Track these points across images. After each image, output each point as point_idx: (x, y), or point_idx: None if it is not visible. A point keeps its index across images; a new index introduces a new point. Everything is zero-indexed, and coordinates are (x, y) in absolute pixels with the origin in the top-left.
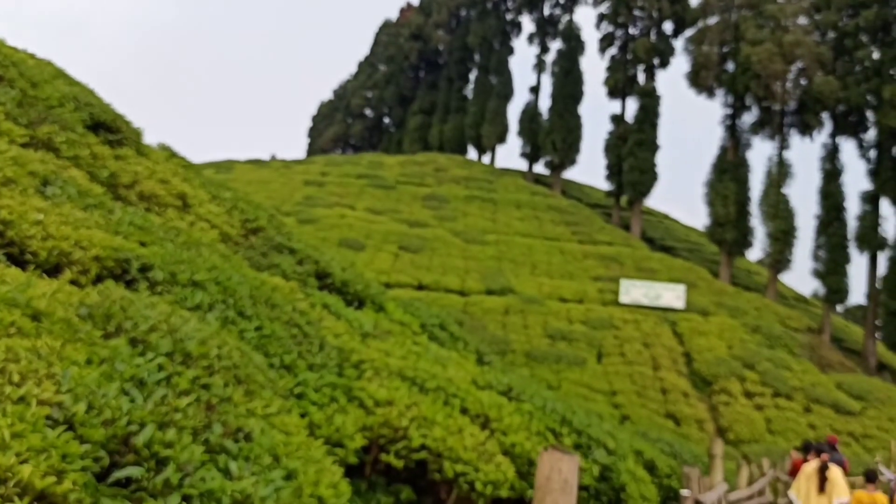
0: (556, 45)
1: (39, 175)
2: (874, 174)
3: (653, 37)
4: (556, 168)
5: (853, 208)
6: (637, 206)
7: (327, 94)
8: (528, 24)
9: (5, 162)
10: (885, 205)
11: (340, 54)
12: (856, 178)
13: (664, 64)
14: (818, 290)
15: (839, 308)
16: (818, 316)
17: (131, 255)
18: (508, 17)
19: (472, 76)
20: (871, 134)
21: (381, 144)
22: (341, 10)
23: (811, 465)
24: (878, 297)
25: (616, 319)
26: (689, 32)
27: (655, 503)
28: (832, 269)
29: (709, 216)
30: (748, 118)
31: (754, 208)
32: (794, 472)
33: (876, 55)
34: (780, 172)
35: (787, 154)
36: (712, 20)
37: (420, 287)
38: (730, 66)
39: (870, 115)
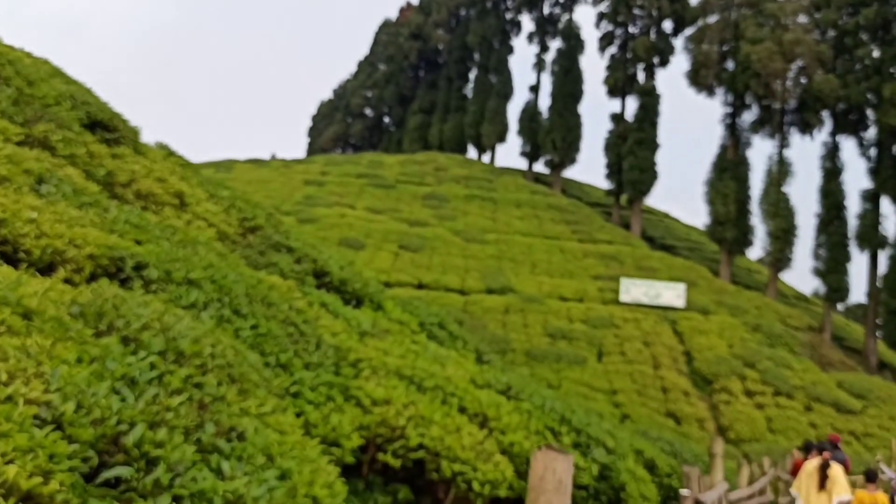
0: (555, 44)
1: (34, 173)
2: (874, 172)
3: (652, 35)
4: (556, 167)
5: (853, 207)
6: (637, 204)
7: (327, 94)
8: (527, 23)
9: (0, 160)
10: (885, 203)
11: (340, 54)
12: (856, 177)
13: (664, 63)
14: (819, 289)
15: (840, 307)
16: (819, 314)
17: (126, 253)
18: (508, 16)
19: (472, 75)
20: (871, 132)
21: (381, 144)
22: (341, 9)
23: (812, 463)
24: (879, 296)
25: (616, 318)
26: (688, 31)
27: (655, 502)
28: (833, 268)
29: (709, 215)
30: (748, 117)
31: (755, 207)
32: (795, 471)
33: (876, 53)
34: (780, 171)
35: (787, 152)
36: (712, 19)
37: (420, 286)
38: (730, 64)
39: (870, 113)
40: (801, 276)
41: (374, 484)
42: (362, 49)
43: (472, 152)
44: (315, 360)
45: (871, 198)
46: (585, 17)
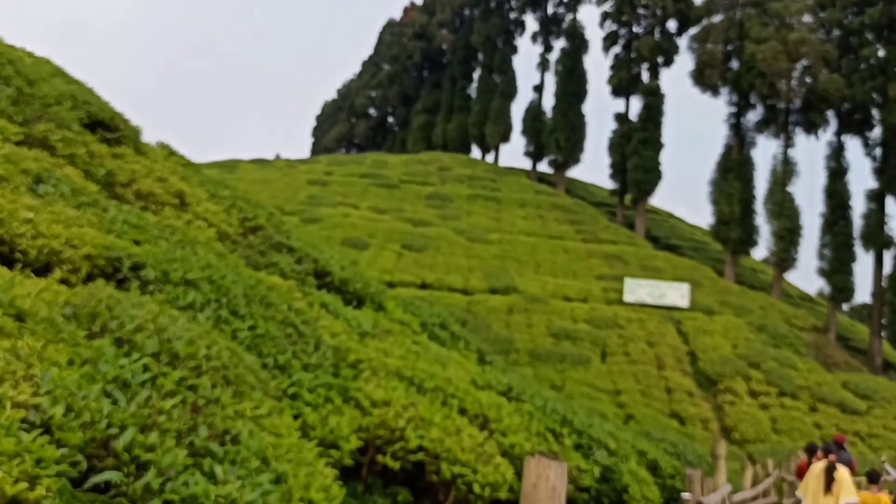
0: (559, 44)
1: (32, 173)
2: (879, 172)
3: (657, 35)
4: (560, 167)
5: (858, 206)
6: (641, 204)
7: (331, 94)
8: (531, 22)
9: None
10: (890, 203)
11: (344, 54)
12: (861, 177)
13: (668, 62)
14: (824, 289)
15: (845, 307)
16: (824, 315)
17: (123, 253)
18: (512, 16)
19: (476, 75)
20: (876, 132)
21: (385, 144)
22: (345, 9)
23: (819, 465)
24: (884, 296)
25: (620, 318)
26: (693, 30)
27: None
28: (838, 268)
29: (713, 215)
30: (753, 116)
31: (759, 207)
32: (800, 473)
33: (881, 53)
34: (785, 171)
35: (792, 152)
36: (717, 18)
37: (423, 286)
38: (734, 64)
39: (875, 113)
40: (806, 276)
41: (373, 486)
42: (366, 49)
43: (475, 152)
44: (314, 362)
45: (876, 197)
46: (589, 17)
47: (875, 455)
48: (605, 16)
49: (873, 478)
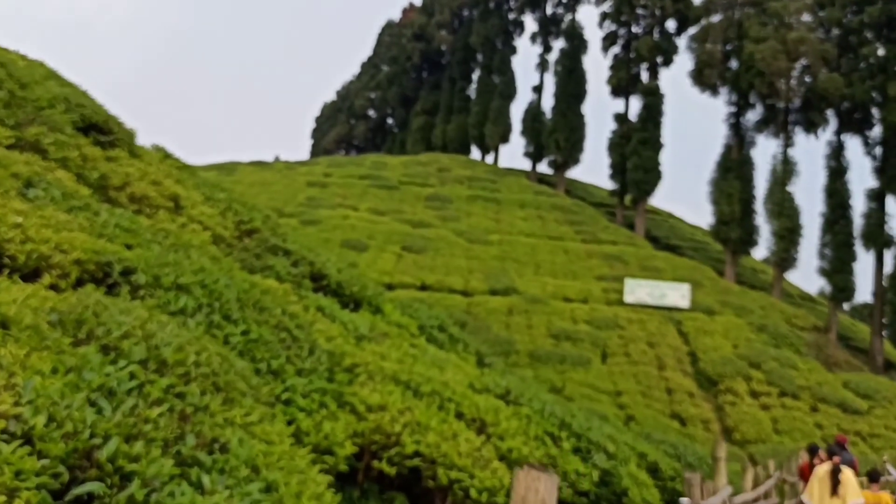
0: (558, 45)
1: (22, 177)
2: (880, 171)
3: (656, 35)
4: (560, 167)
5: (859, 206)
6: (641, 204)
7: (330, 96)
8: (530, 23)
9: None
10: (891, 202)
11: (343, 55)
12: (861, 176)
13: (667, 62)
14: (824, 289)
15: (846, 306)
16: (824, 314)
17: (113, 258)
18: (511, 16)
19: (475, 76)
20: (876, 131)
21: (385, 145)
22: (344, 11)
23: (823, 468)
24: (885, 295)
25: (621, 319)
26: (692, 30)
27: None
28: (838, 268)
29: (713, 215)
30: (752, 116)
31: (759, 207)
32: (802, 473)
33: (881, 52)
34: (784, 170)
35: (791, 152)
36: (715, 18)
37: (423, 287)
38: (733, 63)
39: (875, 112)
40: (807, 275)
41: (369, 492)
42: (365, 50)
43: (475, 153)
44: (308, 366)
45: (876, 197)
46: (588, 17)
47: (877, 455)
48: (603, 16)
49: (874, 477)
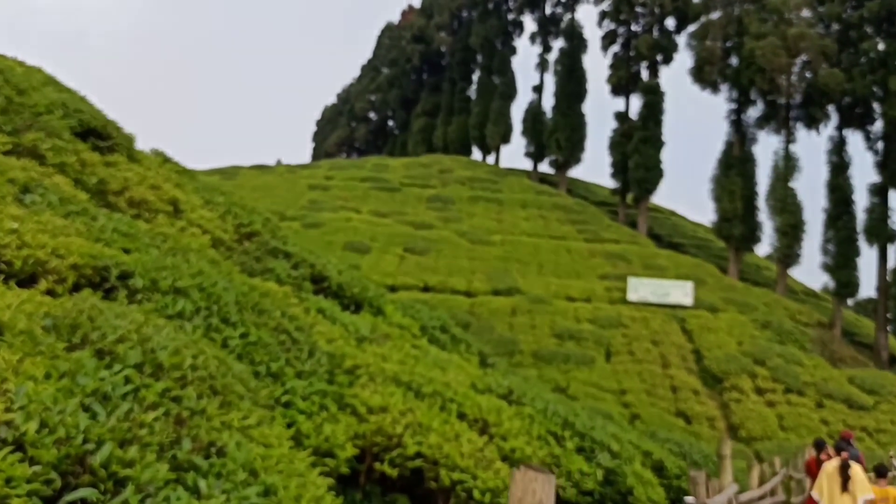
0: (558, 44)
1: (19, 182)
2: (882, 166)
3: (655, 33)
4: (561, 167)
5: (861, 201)
6: (643, 203)
7: (331, 99)
8: (529, 23)
9: None
10: (893, 197)
11: (343, 58)
12: (863, 171)
13: (667, 60)
14: (828, 285)
15: (850, 302)
16: (828, 310)
17: (111, 262)
18: (510, 16)
19: (475, 77)
20: (877, 126)
21: (386, 147)
22: (343, 14)
23: (832, 464)
24: (889, 290)
25: (624, 318)
26: (691, 28)
27: None
28: (842, 263)
29: (716, 212)
30: (753, 112)
31: (761, 203)
32: (808, 469)
33: (881, 46)
34: (786, 166)
35: (793, 148)
36: (715, 15)
37: (426, 289)
38: (734, 60)
39: (876, 106)
40: (810, 271)
41: (371, 494)
42: (365, 53)
43: (476, 154)
44: (308, 369)
45: (878, 192)
46: (587, 16)
47: (883, 450)
48: (603, 15)
49: (881, 472)
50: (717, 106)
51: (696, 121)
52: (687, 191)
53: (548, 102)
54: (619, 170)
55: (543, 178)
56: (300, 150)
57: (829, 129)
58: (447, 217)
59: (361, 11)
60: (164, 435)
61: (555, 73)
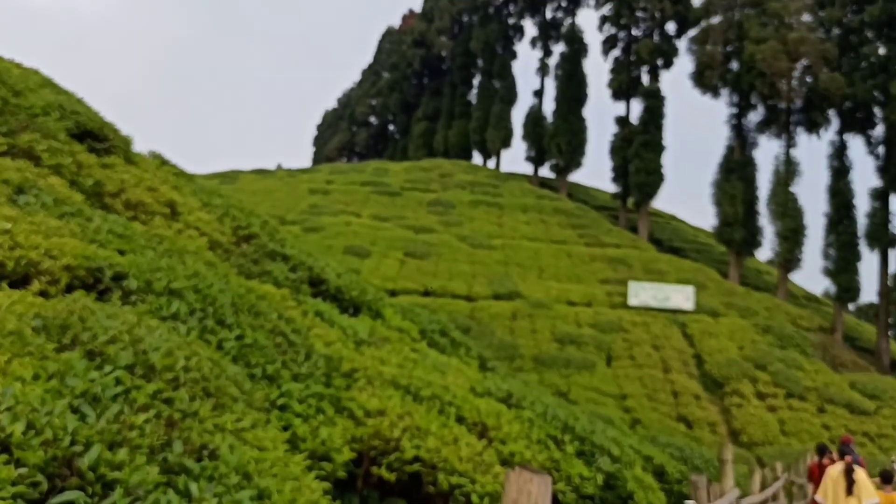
0: (558, 49)
1: (13, 183)
2: (883, 170)
3: (656, 38)
4: (562, 171)
5: (862, 205)
6: (644, 207)
7: (332, 103)
8: (530, 28)
9: None
10: (894, 201)
11: (344, 63)
12: (864, 175)
13: (668, 64)
14: (829, 289)
15: (851, 306)
16: (830, 315)
17: (104, 263)
18: (511, 21)
19: (476, 81)
20: (878, 130)
21: (387, 152)
22: (344, 19)
23: (836, 468)
24: (890, 295)
25: (625, 322)
26: (692, 32)
27: None
28: (843, 268)
29: (717, 216)
30: (754, 117)
31: (762, 207)
32: (810, 474)
33: (882, 51)
34: (787, 171)
35: (794, 152)
36: (715, 19)
37: (426, 293)
38: (734, 65)
39: (877, 111)
40: (811, 276)
41: (368, 498)
42: (366, 58)
43: (477, 158)
44: (304, 371)
45: (880, 196)
46: (588, 21)
47: (885, 455)
48: (603, 19)
49: (886, 478)
50: (717, 110)
51: (696, 125)
52: (688, 195)
53: (548, 107)
54: (620, 174)
55: (544, 183)
56: (301, 155)
57: (829, 134)
58: (448, 221)
59: (362, 16)
60: (155, 437)
61: (555, 77)
